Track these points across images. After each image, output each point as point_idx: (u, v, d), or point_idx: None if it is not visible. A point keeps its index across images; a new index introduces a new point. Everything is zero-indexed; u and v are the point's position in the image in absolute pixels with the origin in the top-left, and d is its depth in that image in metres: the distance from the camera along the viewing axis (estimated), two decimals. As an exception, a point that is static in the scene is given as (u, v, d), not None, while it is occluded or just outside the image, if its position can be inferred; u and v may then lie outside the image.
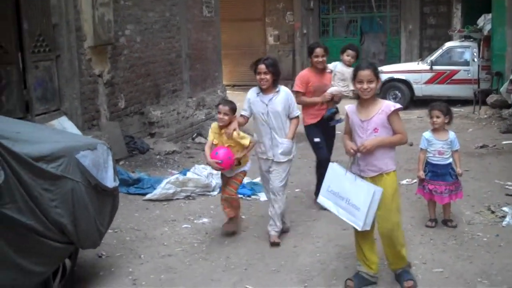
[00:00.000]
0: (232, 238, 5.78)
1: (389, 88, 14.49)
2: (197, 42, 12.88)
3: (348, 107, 4.63)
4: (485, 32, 13.88)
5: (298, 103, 6.61)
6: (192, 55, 12.52)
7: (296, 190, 7.48)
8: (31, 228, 3.68)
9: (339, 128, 6.53)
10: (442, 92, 14.17)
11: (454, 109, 13.88)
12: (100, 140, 5.06)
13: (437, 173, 5.87)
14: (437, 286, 4.63)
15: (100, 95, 9.13)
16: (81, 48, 8.58)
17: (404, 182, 7.48)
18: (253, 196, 7.22)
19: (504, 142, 10.04)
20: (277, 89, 5.60)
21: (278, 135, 5.57)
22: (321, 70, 6.58)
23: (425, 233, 5.76)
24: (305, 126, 6.71)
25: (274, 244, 5.54)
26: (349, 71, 6.39)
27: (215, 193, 7.26)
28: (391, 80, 14.50)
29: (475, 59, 14.20)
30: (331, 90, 6.45)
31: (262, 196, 6.91)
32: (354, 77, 4.46)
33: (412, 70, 14.74)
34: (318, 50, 6.48)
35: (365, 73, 4.39)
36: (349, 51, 6.59)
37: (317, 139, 6.59)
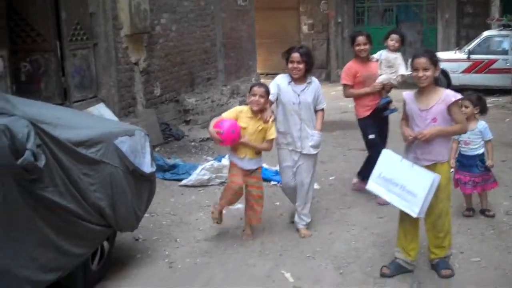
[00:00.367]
0: (266, 224, 5.79)
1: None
2: (232, 31, 12.91)
3: (406, 94, 4.59)
4: (525, 21, 13.62)
5: (347, 96, 6.53)
6: (226, 44, 12.56)
7: (331, 178, 7.46)
8: (71, 211, 3.75)
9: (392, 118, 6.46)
10: (480, 82, 13.93)
11: (492, 99, 13.69)
12: (138, 127, 5.12)
13: (463, 163, 5.77)
14: (474, 275, 4.58)
15: (136, 83, 9.24)
16: (117, 36, 8.69)
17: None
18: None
19: (542, 132, 9.84)
20: (309, 80, 5.44)
21: (308, 127, 5.43)
22: (366, 59, 6.33)
23: (462, 222, 5.68)
24: (359, 119, 6.46)
25: (306, 236, 5.49)
26: (394, 56, 6.30)
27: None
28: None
29: (514, 48, 13.92)
30: (381, 79, 6.24)
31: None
32: (412, 65, 4.40)
33: (449, 59, 14.48)
34: (360, 39, 6.23)
35: (421, 61, 4.33)
36: (393, 35, 6.37)
37: (371, 136, 6.33)
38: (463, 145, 5.75)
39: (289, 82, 5.43)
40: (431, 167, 4.41)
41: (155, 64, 9.73)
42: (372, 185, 4.66)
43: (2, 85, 6.64)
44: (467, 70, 14.17)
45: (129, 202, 4.45)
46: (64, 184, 3.68)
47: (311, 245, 5.26)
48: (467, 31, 18.30)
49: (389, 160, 4.57)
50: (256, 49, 14.60)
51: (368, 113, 6.34)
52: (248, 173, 5.37)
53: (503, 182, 6.95)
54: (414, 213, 4.35)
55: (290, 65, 5.35)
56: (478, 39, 14.51)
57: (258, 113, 5.26)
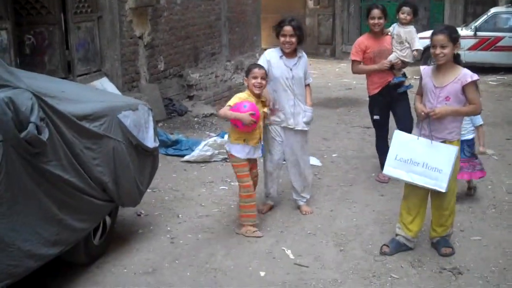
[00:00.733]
0: (268, 201, 5.81)
1: (430, 54, 14.18)
2: (237, 5, 12.80)
3: (423, 68, 4.56)
4: (533, -2, 13.47)
5: (355, 72, 6.35)
6: (231, 18, 12.46)
7: (333, 155, 7.46)
8: (74, 185, 3.75)
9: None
10: (486, 59, 13.84)
11: (497, 77, 13.63)
12: (141, 101, 5.11)
13: None
14: (475, 254, 4.61)
15: (140, 57, 9.20)
16: (122, 9, 8.62)
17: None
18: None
19: (548, 111, 9.81)
20: (300, 54, 5.29)
21: (301, 102, 5.30)
22: (380, 34, 6.10)
23: (464, 200, 5.69)
24: (369, 96, 6.32)
25: (308, 213, 5.49)
26: (406, 30, 6.07)
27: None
28: (433, 46, 14.17)
29: (521, 26, 13.80)
30: (389, 58, 6.03)
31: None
32: (430, 41, 4.35)
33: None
34: (375, 12, 5.98)
35: (438, 38, 4.28)
36: (404, 8, 6.08)
37: (376, 117, 6.26)
38: None
39: (280, 57, 5.27)
40: None
41: (159, 38, 9.67)
42: (389, 169, 4.58)
43: (6, 58, 6.61)
44: (473, 47, 14.06)
45: (132, 176, 4.46)
46: (66, 157, 3.67)
47: (312, 222, 5.29)
48: (475, 8, 18.12)
49: (403, 141, 4.53)
50: (261, 24, 14.49)
51: (376, 91, 6.18)
52: (254, 160, 5.21)
53: (506, 160, 6.96)
54: (442, 189, 4.33)
55: (282, 39, 5.20)
56: (485, 16, 14.37)
57: (259, 96, 5.03)
